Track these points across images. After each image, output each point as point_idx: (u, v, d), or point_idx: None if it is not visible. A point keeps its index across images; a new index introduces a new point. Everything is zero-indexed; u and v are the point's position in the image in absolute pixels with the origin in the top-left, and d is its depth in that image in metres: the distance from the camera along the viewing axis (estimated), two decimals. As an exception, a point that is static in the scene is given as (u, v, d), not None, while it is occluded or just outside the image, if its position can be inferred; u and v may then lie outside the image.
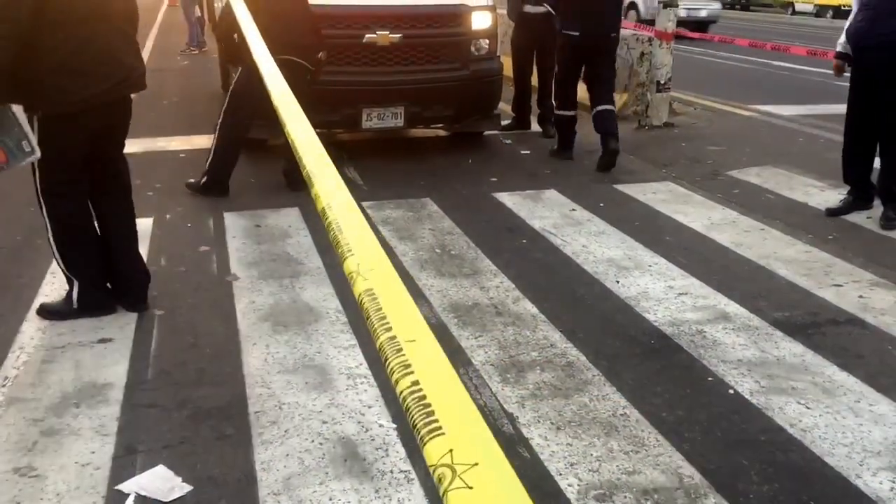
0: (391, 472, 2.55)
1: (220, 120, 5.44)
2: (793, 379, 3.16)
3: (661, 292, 3.97)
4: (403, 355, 1.25)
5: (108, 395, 2.98)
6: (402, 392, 1.15)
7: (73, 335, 3.43)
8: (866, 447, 2.72)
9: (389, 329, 1.33)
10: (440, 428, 1.05)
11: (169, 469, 2.55)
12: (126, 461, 2.60)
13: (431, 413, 1.08)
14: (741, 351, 3.39)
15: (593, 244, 4.65)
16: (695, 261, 4.40)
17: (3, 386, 3.04)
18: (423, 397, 1.12)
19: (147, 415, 2.86)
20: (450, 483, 0.94)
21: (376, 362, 3.24)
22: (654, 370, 3.23)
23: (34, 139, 3.24)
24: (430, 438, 1.03)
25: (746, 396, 3.03)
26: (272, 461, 2.60)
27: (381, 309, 1.39)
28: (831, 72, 5.46)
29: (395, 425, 2.80)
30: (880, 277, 4.19)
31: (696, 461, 2.64)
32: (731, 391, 3.07)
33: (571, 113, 6.58)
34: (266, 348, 3.35)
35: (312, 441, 2.70)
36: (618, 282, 4.10)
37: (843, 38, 5.14)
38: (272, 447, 2.67)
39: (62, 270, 3.60)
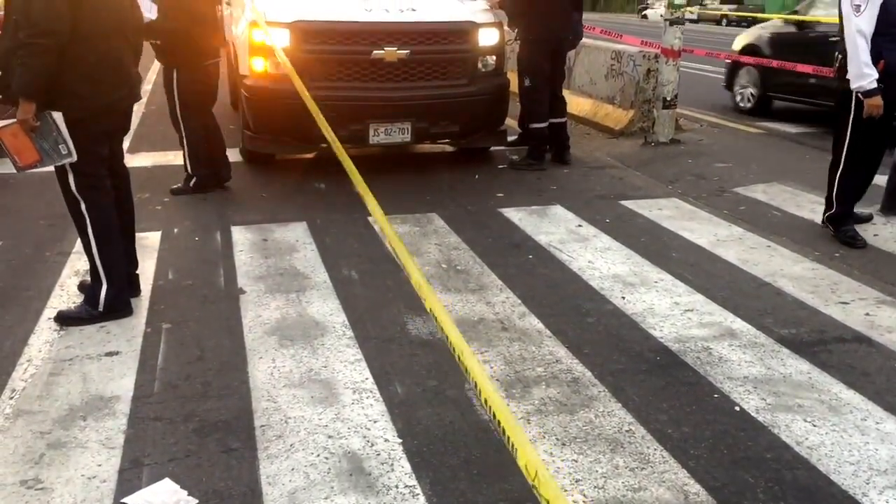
0: (396, 486, 2.55)
1: (181, 124, 5.74)
2: (799, 396, 3.15)
3: (666, 308, 3.97)
4: (471, 375, 1.35)
5: (114, 407, 2.99)
6: (486, 406, 1.27)
7: (81, 348, 3.45)
8: (873, 465, 2.71)
9: (454, 349, 1.44)
10: (513, 445, 1.13)
11: (175, 482, 2.55)
12: (132, 474, 2.61)
13: (504, 431, 1.16)
14: (747, 368, 3.38)
15: (599, 260, 4.65)
16: (701, 277, 4.40)
17: (11, 398, 3.05)
18: (494, 415, 1.20)
19: (153, 428, 2.87)
20: None
21: (382, 377, 3.25)
22: (659, 386, 3.23)
23: (71, 143, 3.51)
24: (517, 455, 1.13)
25: (752, 414, 3.03)
26: (278, 475, 2.60)
27: (443, 328, 1.52)
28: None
29: (400, 440, 2.80)
30: (887, 295, 4.18)
31: (702, 478, 2.63)
32: (737, 408, 3.07)
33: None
34: (272, 362, 3.36)
35: (318, 455, 2.71)
36: (623, 298, 4.10)
37: (874, 72, 4.62)
38: (278, 461, 2.67)
39: (96, 271, 3.69)
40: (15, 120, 3.44)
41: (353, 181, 2.75)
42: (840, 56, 4.91)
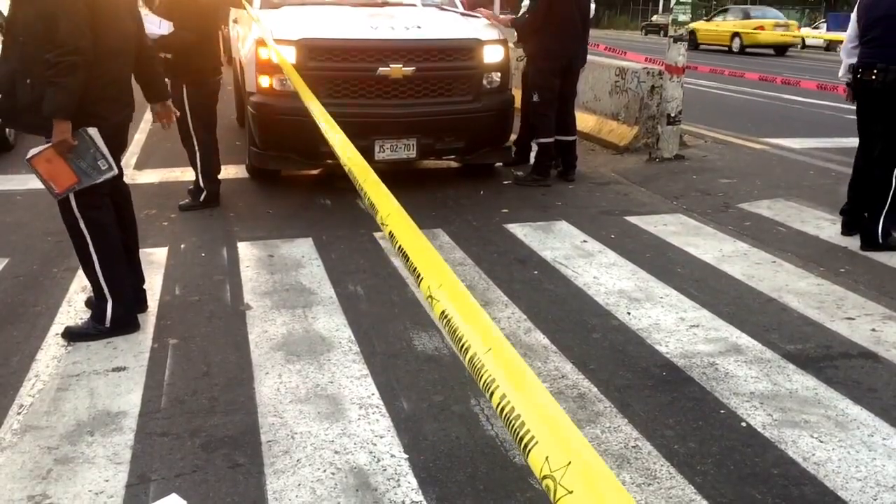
0: (403, 502, 2.55)
1: (195, 138, 5.83)
2: (805, 412, 3.15)
3: (672, 324, 3.97)
4: (487, 372, 1.32)
5: (121, 423, 3.00)
6: (496, 407, 1.24)
7: (88, 363, 3.47)
8: (880, 481, 2.70)
9: (468, 349, 1.40)
10: (533, 437, 1.12)
11: (182, 498, 2.56)
12: (139, 489, 2.61)
13: (522, 424, 1.16)
14: (753, 384, 3.38)
15: (604, 276, 4.66)
16: (706, 293, 4.40)
17: (19, 414, 3.06)
18: (513, 409, 1.19)
19: (160, 443, 2.88)
20: (555, 494, 1.04)
21: (388, 392, 3.26)
22: (665, 402, 3.23)
23: (110, 157, 3.49)
24: (529, 450, 1.11)
25: (759, 429, 3.02)
26: (284, 491, 2.60)
27: (457, 330, 1.48)
28: (841, 105, 5.43)
29: (406, 455, 2.80)
30: (893, 311, 4.17)
31: (709, 494, 2.63)
32: (744, 424, 3.07)
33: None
34: (279, 377, 3.37)
35: (324, 471, 2.71)
36: (629, 313, 4.10)
37: None
38: (284, 477, 2.68)
39: (100, 288, 3.70)
40: (48, 145, 3.36)
41: (365, 188, 2.76)
42: (861, 67, 4.97)
